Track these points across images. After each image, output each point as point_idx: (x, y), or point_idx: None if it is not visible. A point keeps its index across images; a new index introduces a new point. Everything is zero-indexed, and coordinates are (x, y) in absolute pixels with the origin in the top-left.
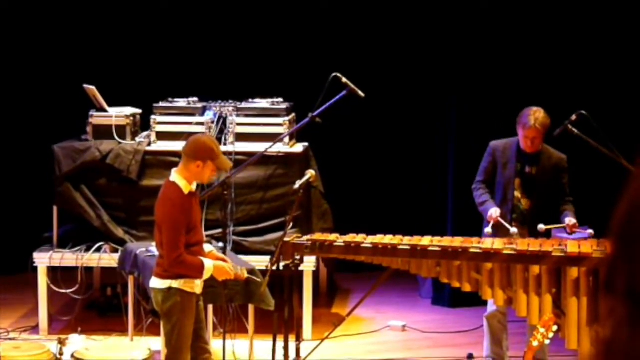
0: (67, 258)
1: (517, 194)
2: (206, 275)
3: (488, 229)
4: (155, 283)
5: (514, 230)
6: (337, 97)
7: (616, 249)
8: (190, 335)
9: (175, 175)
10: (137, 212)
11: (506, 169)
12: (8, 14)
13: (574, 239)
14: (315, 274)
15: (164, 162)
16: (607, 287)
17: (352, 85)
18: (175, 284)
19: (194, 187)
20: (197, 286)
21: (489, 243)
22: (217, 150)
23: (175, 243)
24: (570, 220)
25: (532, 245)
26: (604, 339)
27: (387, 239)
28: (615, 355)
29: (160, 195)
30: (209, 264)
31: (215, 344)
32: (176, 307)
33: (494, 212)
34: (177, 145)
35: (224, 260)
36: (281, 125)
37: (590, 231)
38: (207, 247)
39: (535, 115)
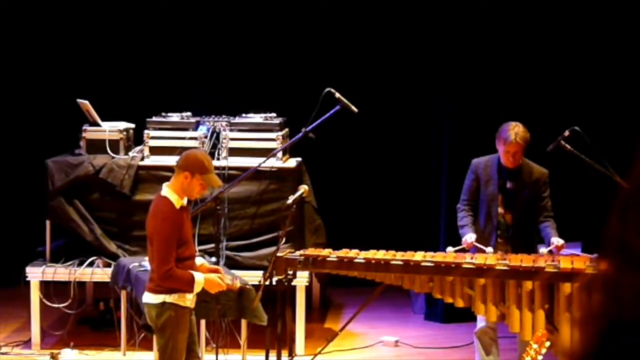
0: (60, 272)
1: (501, 210)
2: (197, 288)
3: (450, 249)
4: (149, 298)
5: (489, 249)
6: (331, 112)
7: (614, 215)
8: (183, 349)
9: (167, 190)
10: (130, 227)
11: (489, 185)
12: (1, 29)
13: (566, 255)
14: (308, 289)
15: (157, 177)
16: (602, 249)
17: (345, 101)
18: (168, 298)
19: (185, 201)
20: (190, 300)
21: (482, 258)
22: (207, 165)
23: (166, 257)
24: (558, 240)
25: (525, 260)
26: (597, 300)
27: (380, 254)
28: (610, 298)
29: (152, 209)
30: (199, 278)
31: (207, 359)
32: (170, 321)
33: (469, 237)
34: (171, 160)
35: (216, 271)
36: (274, 140)
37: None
38: (199, 260)
39: (515, 130)
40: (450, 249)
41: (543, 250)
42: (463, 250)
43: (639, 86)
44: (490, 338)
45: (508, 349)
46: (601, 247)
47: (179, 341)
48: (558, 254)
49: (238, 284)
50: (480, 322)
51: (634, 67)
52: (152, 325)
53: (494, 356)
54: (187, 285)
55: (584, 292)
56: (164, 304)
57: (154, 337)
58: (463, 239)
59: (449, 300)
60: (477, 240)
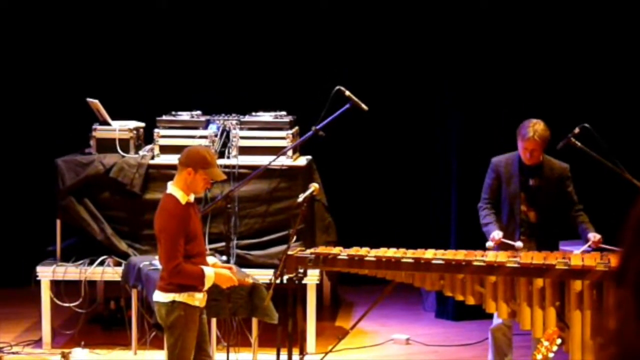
0: (71, 272)
1: (524, 207)
2: (208, 283)
3: (489, 244)
4: (159, 297)
5: (519, 244)
6: (340, 110)
7: (631, 244)
8: (192, 348)
9: (172, 187)
10: (141, 226)
11: (511, 183)
12: (10, 28)
13: (577, 252)
14: (319, 287)
15: (167, 176)
16: (619, 280)
17: (355, 99)
18: (178, 297)
19: (191, 198)
20: (200, 299)
21: (493, 256)
22: (209, 159)
23: (173, 252)
24: (594, 236)
25: (535, 258)
26: (612, 330)
27: (391, 252)
28: (624, 345)
29: (159, 208)
30: (209, 272)
31: (218, 357)
32: (180, 320)
33: (496, 234)
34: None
35: (228, 269)
36: (284, 138)
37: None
38: (211, 260)
39: (535, 127)
40: (490, 244)
41: (577, 251)
42: (500, 246)
43: None
44: (505, 335)
45: (523, 345)
46: (618, 273)
47: (188, 340)
48: (597, 248)
49: (250, 280)
50: (497, 319)
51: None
52: (161, 323)
53: (509, 355)
54: (197, 280)
55: (598, 312)
56: (173, 302)
57: (164, 336)
58: (490, 236)
59: (460, 297)
60: (503, 237)
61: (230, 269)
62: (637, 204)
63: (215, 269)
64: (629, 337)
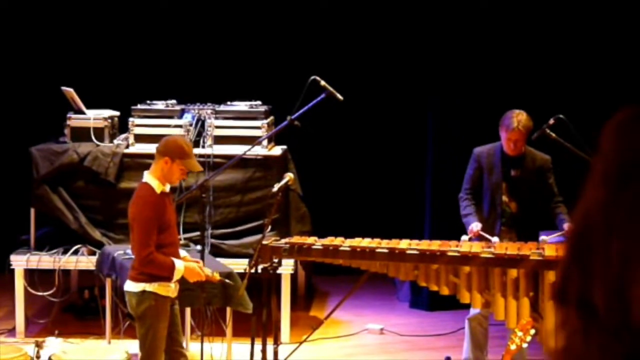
0: (45, 260)
1: (505, 198)
2: (177, 275)
3: (465, 238)
4: (130, 286)
5: (495, 239)
6: (316, 100)
7: (569, 260)
8: (164, 338)
9: (148, 176)
10: (115, 215)
11: (492, 174)
12: None
13: (551, 243)
14: (294, 277)
15: (141, 165)
16: (560, 298)
17: (331, 89)
18: (149, 287)
19: (167, 188)
20: (171, 290)
21: (467, 246)
22: (187, 150)
23: (146, 241)
24: (569, 226)
25: (510, 248)
26: (559, 348)
27: (365, 242)
28: None
29: (133, 196)
30: (179, 265)
31: (192, 347)
32: (150, 310)
33: (475, 226)
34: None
35: (196, 264)
36: (259, 128)
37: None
38: (181, 253)
39: (518, 117)
40: (464, 237)
41: (544, 237)
42: (478, 239)
43: (621, 75)
44: (481, 325)
45: (498, 335)
46: (559, 291)
47: (159, 330)
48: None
49: (218, 277)
50: (474, 309)
51: (617, 58)
52: (132, 313)
53: (483, 345)
54: (167, 271)
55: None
56: (144, 292)
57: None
58: (469, 228)
59: (434, 288)
60: (481, 229)
61: (198, 263)
62: (573, 222)
63: (185, 263)
64: (578, 352)
